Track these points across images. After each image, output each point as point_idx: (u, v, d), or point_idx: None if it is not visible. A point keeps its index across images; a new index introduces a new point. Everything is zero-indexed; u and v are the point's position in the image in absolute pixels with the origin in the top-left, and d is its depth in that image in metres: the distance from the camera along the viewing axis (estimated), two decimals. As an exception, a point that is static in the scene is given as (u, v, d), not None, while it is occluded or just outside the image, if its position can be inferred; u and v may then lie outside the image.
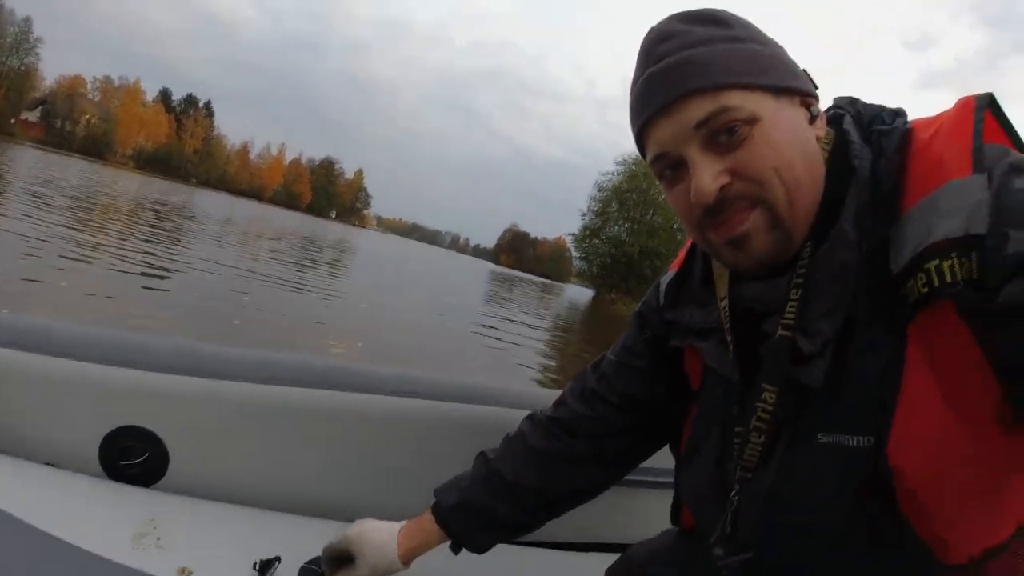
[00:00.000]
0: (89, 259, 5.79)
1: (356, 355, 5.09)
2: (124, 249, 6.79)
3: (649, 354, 0.76)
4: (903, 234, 0.48)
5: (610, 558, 0.94)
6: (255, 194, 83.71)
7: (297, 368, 0.98)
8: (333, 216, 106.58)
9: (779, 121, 0.52)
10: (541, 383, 5.81)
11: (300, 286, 7.77)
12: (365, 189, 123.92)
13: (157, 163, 60.20)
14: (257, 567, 0.80)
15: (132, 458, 0.89)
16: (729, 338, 0.60)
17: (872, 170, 0.53)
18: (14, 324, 0.88)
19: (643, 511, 0.80)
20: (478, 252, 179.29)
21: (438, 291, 12.09)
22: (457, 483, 0.80)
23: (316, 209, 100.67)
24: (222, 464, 0.94)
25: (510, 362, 6.75)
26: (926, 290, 0.46)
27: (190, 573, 0.76)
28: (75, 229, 7.24)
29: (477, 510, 0.77)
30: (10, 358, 0.83)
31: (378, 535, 0.79)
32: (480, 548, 0.79)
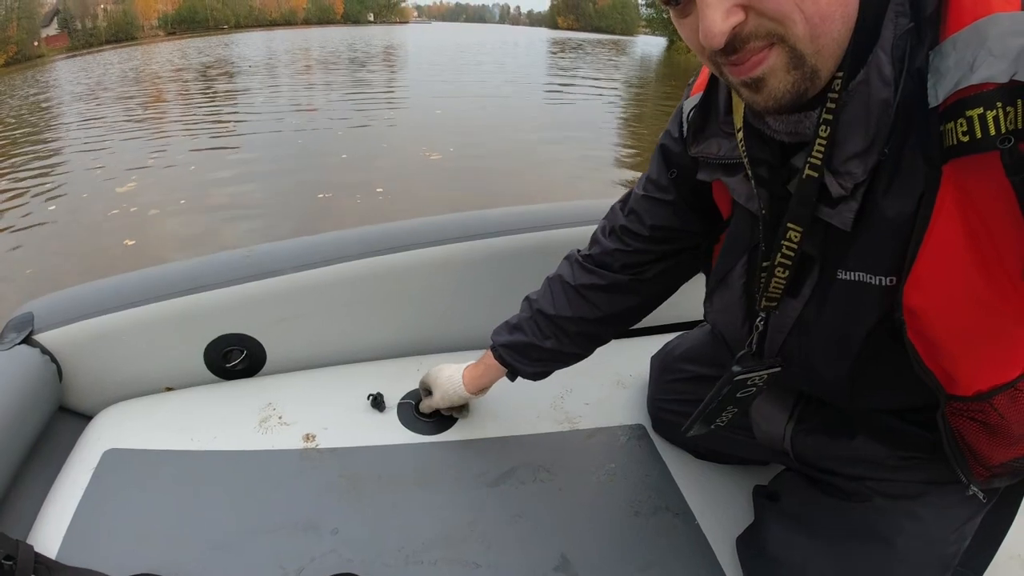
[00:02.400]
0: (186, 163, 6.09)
1: (451, 158, 5.76)
2: (213, 135, 6.94)
3: (676, 189, 0.77)
4: (944, 63, 0.44)
5: (656, 341, 1.09)
6: (287, 20, 78.83)
7: (351, 242, 1.10)
8: (371, 19, 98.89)
9: None
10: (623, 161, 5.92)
11: (371, 118, 7.98)
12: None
13: (184, 23, 57.80)
14: (371, 401, 1.01)
15: (234, 359, 1.09)
16: (750, 173, 0.59)
17: None
18: (100, 288, 1.02)
19: (685, 295, 0.90)
20: (533, 19, 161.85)
21: (495, 83, 11.70)
22: (507, 325, 0.91)
23: (352, 17, 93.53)
24: (309, 338, 1.12)
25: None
26: (967, 139, 0.42)
27: (313, 437, 0.96)
28: (158, 137, 7.00)
29: (526, 347, 0.89)
30: (108, 322, 0.99)
31: (446, 371, 0.96)
32: (535, 377, 0.92)
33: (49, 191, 4.96)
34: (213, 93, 9.88)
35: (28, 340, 0.95)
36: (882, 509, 0.69)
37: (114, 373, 1.03)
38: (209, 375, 1.09)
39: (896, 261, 0.51)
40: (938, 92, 0.44)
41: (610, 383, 1.14)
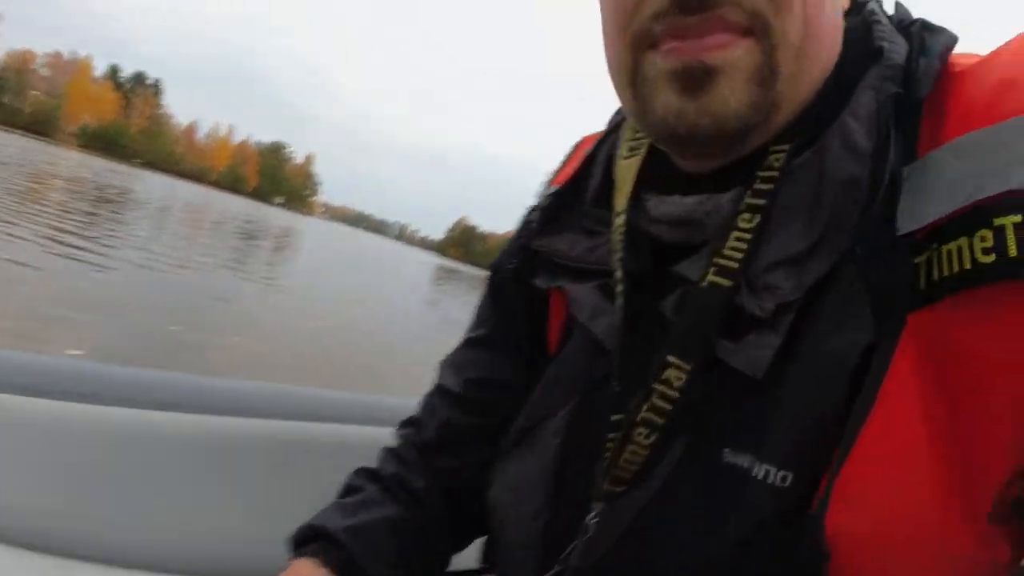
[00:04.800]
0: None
1: (327, 327, 6.04)
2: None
3: (495, 308, 0.54)
4: (934, 174, 0.31)
5: None
6: (198, 176, 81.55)
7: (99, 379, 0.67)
8: (279, 202, 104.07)
9: None
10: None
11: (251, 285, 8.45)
12: (314, 175, 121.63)
13: (100, 140, 58.89)
14: None
15: None
16: (620, 275, 0.40)
17: (907, 61, 0.35)
18: None
19: None
20: (427, 244, 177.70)
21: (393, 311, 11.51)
22: (340, 506, 0.50)
23: (260, 194, 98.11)
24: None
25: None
26: (989, 259, 0.28)
27: None
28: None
29: (389, 525, 0.49)
30: None
31: None
32: None
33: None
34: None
35: None
36: None
37: None
38: None
39: (809, 448, 0.32)
40: (919, 214, 0.31)
41: None
